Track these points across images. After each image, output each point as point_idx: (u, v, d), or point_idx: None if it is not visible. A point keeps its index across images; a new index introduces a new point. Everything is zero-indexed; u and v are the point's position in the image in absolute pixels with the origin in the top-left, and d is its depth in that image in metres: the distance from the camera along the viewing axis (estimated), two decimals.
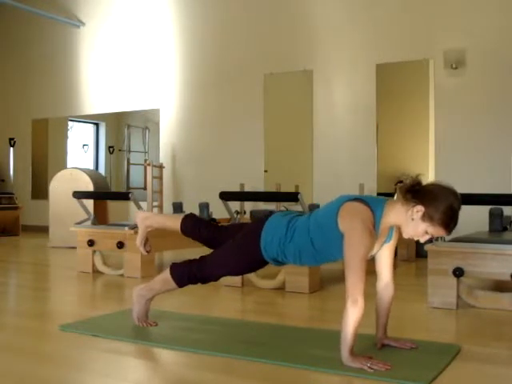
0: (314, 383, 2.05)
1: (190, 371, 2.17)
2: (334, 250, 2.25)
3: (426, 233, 2.13)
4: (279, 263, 2.49)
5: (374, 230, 2.14)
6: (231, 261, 2.51)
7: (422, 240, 2.18)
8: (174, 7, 8.03)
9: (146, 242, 2.84)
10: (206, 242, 2.70)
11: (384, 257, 2.33)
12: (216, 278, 2.59)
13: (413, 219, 2.12)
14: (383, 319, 2.37)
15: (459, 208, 2.11)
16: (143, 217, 2.83)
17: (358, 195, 2.27)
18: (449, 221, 2.09)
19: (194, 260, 2.59)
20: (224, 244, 2.56)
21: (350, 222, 2.14)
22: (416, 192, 2.12)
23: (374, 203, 2.19)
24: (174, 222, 2.75)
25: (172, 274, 2.59)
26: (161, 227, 2.87)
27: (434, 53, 6.17)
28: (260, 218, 2.53)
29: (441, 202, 2.07)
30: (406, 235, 2.19)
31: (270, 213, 2.54)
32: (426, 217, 2.09)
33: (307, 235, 2.30)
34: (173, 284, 2.60)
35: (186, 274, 2.57)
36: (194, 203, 5.92)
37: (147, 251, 2.85)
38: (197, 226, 2.70)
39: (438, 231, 2.11)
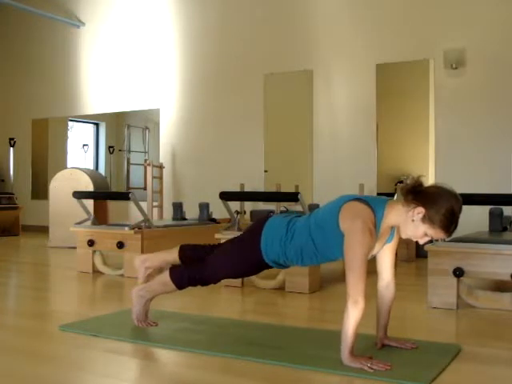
0: (313, 383, 2.05)
1: (190, 371, 2.17)
2: (334, 249, 2.24)
3: (426, 235, 2.13)
4: (280, 265, 2.48)
5: (374, 230, 2.14)
6: (231, 264, 2.50)
7: (421, 242, 2.18)
8: (174, 7, 8.03)
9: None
10: None
11: (385, 257, 2.33)
12: (216, 281, 2.58)
13: (413, 220, 2.11)
14: (384, 319, 2.37)
15: (460, 211, 2.11)
16: (142, 259, 2.79)
17: (360, 195, 2.27)
18: (449, 224, 2.08)
19: (194, 262, 2.59)
20: (224, 246, 2.55)
21: (351, 222, 2.13)
22: (417, 193, 2.11)
23: (376, 203, 2.19)
24: (172, 256, 2.73)
25: (171, 276, 2.58)
26: (161, 264, 2.82)
27: (434, 53, 6.17)
28: (259, 220, 2.51)
29: (442, 205, 2.07)
30: (404, 236, 2.19)
31: (270, 213, 2.53)
32: (427, 219, 2.09)
33: (308, 235, 2.29)
34: (172, 286, 2.60)
35: (185, 277, 2.56)
36: (194, 203, 5.93)
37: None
38: (195, 254, 2.67)
39: (438, 234, 2.11)
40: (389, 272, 2.34)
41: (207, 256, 2.61)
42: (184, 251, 2.71)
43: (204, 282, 2.57)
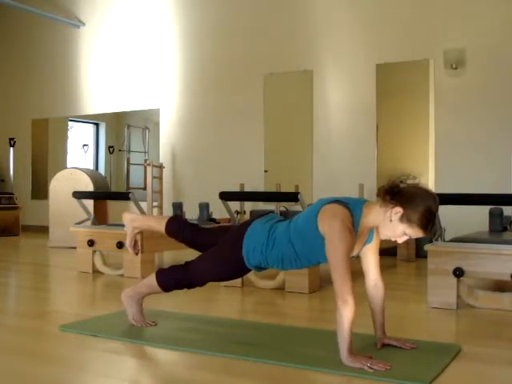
0: (313, 383, 2.05)
1: (190, 371, 2.17)
2: (316, 253, 2.27)
3: (405, 234, 2.16)
4: (262, 269, 2.52)
5: (353, 230, 2.16)
6: (215, 268, 2.53)
7: (400, 241, 2.20)
8: (174, 7, 8.03)
9: (135, 243, 2.86)
10: (189, 244, 2.72)
11: (368, 257, 2.36)
12: (201, 284, 2.61)
13: (391, 220, 2.14)
14: (379, 318, 2.38)
15: (437, 210, 2.15)
16: (130, 218, 2.83)
17: (337, 197, 2.28)
18: (427, 222, 2.12)
19: (179, 266, 2.61)
20: (208, 250, 2.56)
21: (330, 223, 2.15)
22: (395, 194, 2.14)
23: (353, 204, 2.22)
24: (160, 224, 2.75)
25: (158, 280, 2.61)
26: (147, 229, 2.89)
27: (434, 53, 6.17)
28: (242, 224, 2.54)
29: (419, 204, 2.10)
30: (383, 236, 2.22)
31: (261, 215, 2.54)
32: (405, 218, 2.12)
33: (288, 241, 2.32)
34: (158, 289, 2.63)
35: (171, 281, 2.60)
36: (194, 203, 5.92)
37: (136, 253, 2.86)
38: (181, 228, 2.70)
39: (416, 232, 2.14)
40: (374, 271, 2.36)
41: (191, 240, 2.65)
42: (170, 226, 2.71)
43: (190, 285, 2.60)
